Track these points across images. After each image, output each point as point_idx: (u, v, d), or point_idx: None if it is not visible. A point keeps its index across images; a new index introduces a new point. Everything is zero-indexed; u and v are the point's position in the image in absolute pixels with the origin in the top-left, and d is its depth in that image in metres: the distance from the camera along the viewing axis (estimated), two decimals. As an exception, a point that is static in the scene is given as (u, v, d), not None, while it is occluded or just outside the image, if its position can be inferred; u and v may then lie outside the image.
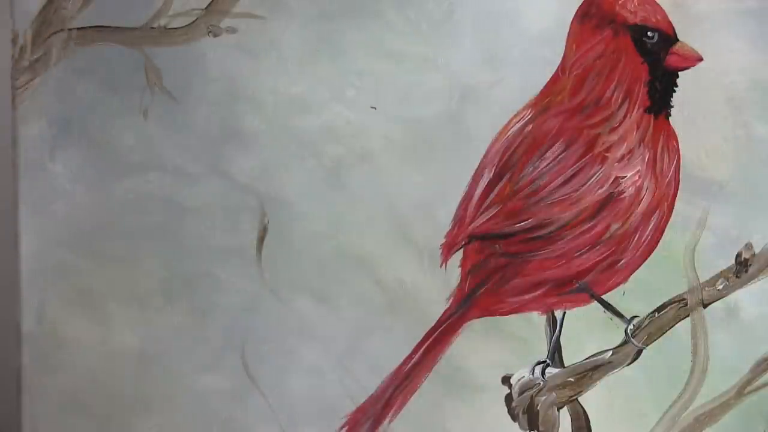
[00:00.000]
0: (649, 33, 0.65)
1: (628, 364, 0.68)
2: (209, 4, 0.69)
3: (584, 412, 0.70)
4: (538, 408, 0.70)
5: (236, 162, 0.71)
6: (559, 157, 0.66)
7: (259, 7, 0.69)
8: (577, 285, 0.67)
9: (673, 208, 0.67)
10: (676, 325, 0.67)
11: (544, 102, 0.67)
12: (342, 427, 0.71)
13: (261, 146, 0.70)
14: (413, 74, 0.68)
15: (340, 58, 0.68)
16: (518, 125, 0.67)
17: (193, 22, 0.70)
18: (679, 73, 0.65)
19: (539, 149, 0.67)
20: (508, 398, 0.70)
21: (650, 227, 0.67)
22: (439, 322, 0.69)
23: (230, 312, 0.72)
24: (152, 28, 0.70)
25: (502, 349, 0.70)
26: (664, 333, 0.67)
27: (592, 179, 0.66)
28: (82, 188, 0.72)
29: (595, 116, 0.66)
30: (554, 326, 0.69)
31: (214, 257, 0.72)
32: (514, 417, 0.70)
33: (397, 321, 0.70)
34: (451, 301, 0.69)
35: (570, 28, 0.66)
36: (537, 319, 0.69)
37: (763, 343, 0.66)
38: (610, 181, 0.66)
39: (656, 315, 0.67)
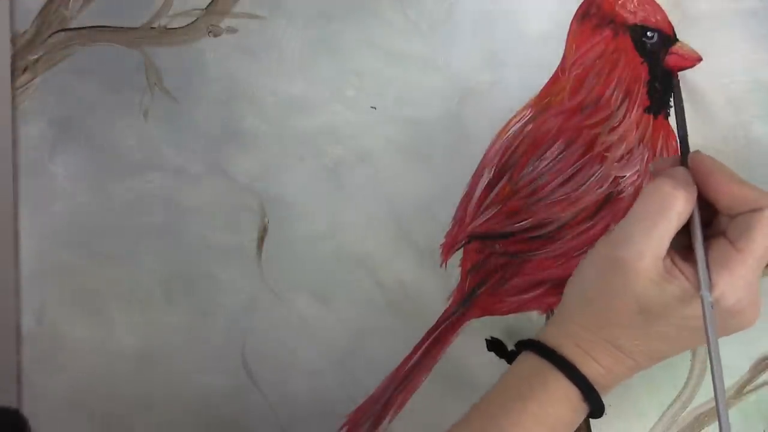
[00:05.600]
0: (648, 33, 0.65)
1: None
2: (209, 4, 0.69)
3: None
4: (538, 408, 0.70)
5: (236, 162, 0.71)
6: (559, 156, 0.67)
7: (259, 7, 0.69)
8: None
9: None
10: (676, 325, 0.67)
11: (543, 102, 0.67)
12: (342, 427, 0.72)
13: (261, 146, 0.70)
14: (413, 74, 0.68)
15: (340, 58, 0.69)
16: (518, 125, 0.67)
17: (193, 22, 0.70)
18: (679, 73, 0.65)
19: (539, 149, 0.67)
20: (508, 398, 0.70)
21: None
22: (439, 322, 0.70)
23: (230, 312, 0.72)
24: (152, 28, 0.70)
25: (502, 348, 0.70)
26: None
27: (592, 179, 0.66)
28: (82, 188, 0.72)
29: (595, 116, 0.66)
30: (554, 326, 0.69)
31: (214, 257, 0.72)
32: (514, 417, 0.70)
33: (397, 321, 0.70)
34: (451, 301, 0.69)
35: (570, 28, 0.66)
36: (537, 318, 0.69)
37: (763, 343, 0.66)
38: (610, 180, 0.66)
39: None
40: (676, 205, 0.53)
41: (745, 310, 0.53)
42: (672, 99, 0.65)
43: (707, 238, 0.54)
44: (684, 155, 0.57)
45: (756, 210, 0.52)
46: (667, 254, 0.53)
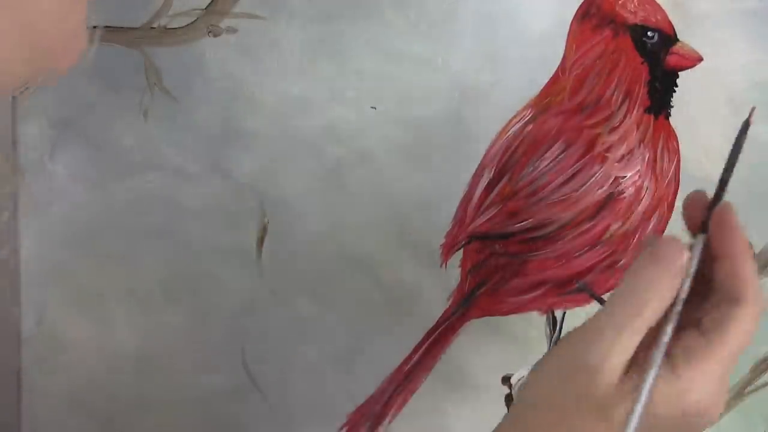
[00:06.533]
0: (649, 33, 0.65)
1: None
2: (209, 4, 0.69)
3: (584, 412, 0.70)
4: (538, 408, 0.70)
5: (236, 162, 0.71)
6: (559, 157, 0.67)
7: (259, 7, 0.69)
8: (577, 285, 0.67)
9: (673, 208, 0.67)
10: (676, 325, 0.67)
11: (544, 102, 0.67)
12: (342, 427, 0.71)
13: (261, 146, 0.70)
14: (413, 74, 0.68)
15: (340, 59, 0.68)
16: (518, 125, 0.67)
17: (193, 22, 0.70)
18: (679, 73, 0.65)
19: (539, 149, 0.67)
20: (508, 398, 0.70)
21: (650, 227, 0.67)
22: (439, 322, 0.70)
23: (230, 312, 0.72)
24: (152, 28, 0.70)
25: (502, 349, 0.70)
26: (664, 333, 0.67)
27: (592, 179, 0.66)
28: (82, 188, 0.72)
29: (595, 116, 0.66)
30: (554, 326, 0.69)
31: (214, 257, 0.72)
32: (514, 417, 0.70)
33: (397, 321, 0.70)
34: (451, 301, 0.69)
35: (570, 28, 0.66)
36: (537, 319, 0.69)
37: (763, 344, 0.66)
38: (610, 181, 0.66)
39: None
40: (652, 307, 0.47)
41: (709, 410, 0.48)
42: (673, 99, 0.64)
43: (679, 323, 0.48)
44: (713, 204, 0.50)
45: (735, 300, 0.47)
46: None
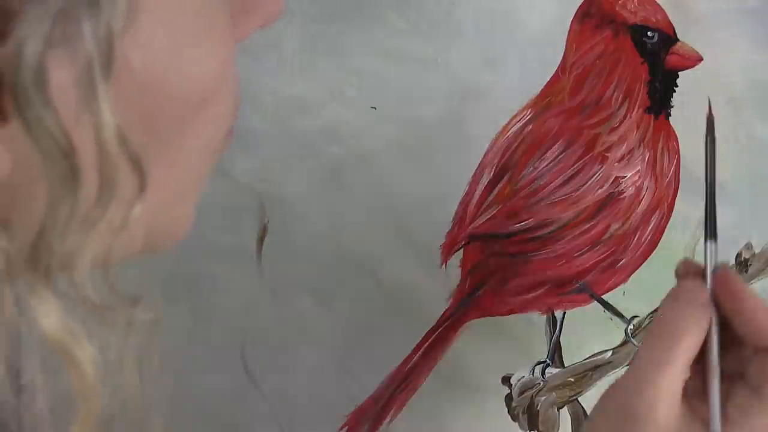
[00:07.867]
0: (649, 33, 0.65)
1: (628, 364, 0.68)
2: (209, 4, 0.69)
3: (584, 412, 0.70)
4: (538, 408, 0.70)
5: (236, 162, 0.71)
6: (559, 157, 0.67)
7: (259, 7, 0.69)
8: (577, 285, 0.67)
9: (673, 208, 0.67)
10: (676, 325, 0.67)
11: (544, 102, 0.67)
12: (342, 427, 0.71)
13: (261, 146, 0.70)
14: (413, 74, 0.68)
15: (340, 58, 0.68)
16: (518, 125, 0.67)
17: (193, 22, 0.70)
18: (679, 73, 0.65)
19: (539, 149, 0.67)
20: (508, 398, 0.70)
21: (650, 227, 0.67)
22: (439, 322, 0.69)
23: (230, 312, 0.72)
24: (152, 28, 0.70)
25: (502, 349, 0.70)
26: (664, 333, 0.67)
27: (592, 179, 0.66)
28: (82, 188, 0.72)
29: (595, 116, 0.66)
30: (554, 326, 0.69)
31: (214, 257, 0.72)
32: (514, 417, 0.70)
33: (397, 321, 0.70)
34: (451, 301, 0.69)
35: (570, 28, 0.66)
36: (537, 319, 0.69)
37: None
38: (610, 181, 0.66)
39: (656, 315, 0.67)
40: (683, 342, 0.46)
41: None
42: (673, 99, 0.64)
43: (727, 376, 0.47)
44: (708, 211, 0.48)
45: None
46: (686, 393, 0.47)
